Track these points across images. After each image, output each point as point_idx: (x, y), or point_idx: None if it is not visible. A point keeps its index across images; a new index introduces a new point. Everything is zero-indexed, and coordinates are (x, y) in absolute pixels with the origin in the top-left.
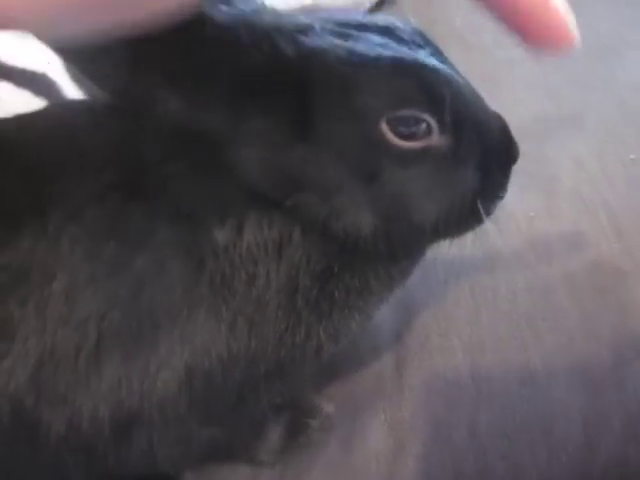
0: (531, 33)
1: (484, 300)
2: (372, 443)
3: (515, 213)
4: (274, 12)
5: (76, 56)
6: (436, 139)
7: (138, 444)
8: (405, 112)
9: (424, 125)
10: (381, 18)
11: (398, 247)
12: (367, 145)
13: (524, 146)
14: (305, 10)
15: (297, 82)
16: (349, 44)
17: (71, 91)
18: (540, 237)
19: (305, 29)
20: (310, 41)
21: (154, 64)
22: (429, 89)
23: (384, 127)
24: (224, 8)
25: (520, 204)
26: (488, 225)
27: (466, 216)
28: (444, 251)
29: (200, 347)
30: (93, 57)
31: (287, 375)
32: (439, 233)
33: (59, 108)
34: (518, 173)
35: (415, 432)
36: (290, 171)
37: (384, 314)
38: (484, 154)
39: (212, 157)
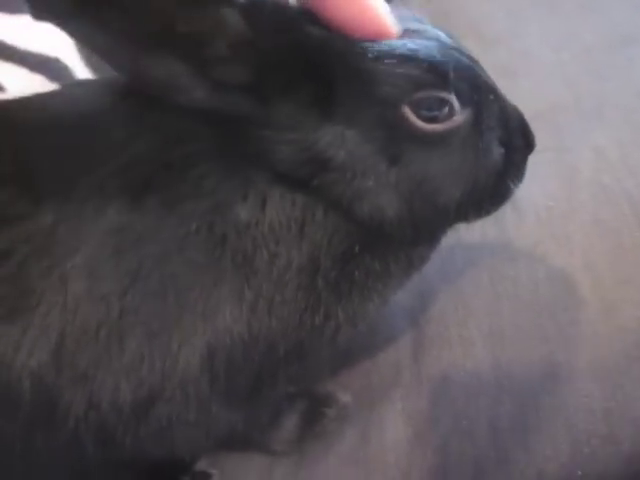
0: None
1: (504, 290)
2: (389, 434)
3: (535, 203)
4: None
5: (95, 42)
6: (458, 119)
7: (157, 424)
8: (423, 94)
9: (446, 108)
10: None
11: (423, 229)
12: (390, 128)
13: (542, 136)
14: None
15: (320, 65)
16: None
17: (84, 75)
18: (560, 227)
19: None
20: (325, 32)
21: (176, 52)
22: (443, 72)
23: (407, 111)
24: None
25: (540, 194)
26: (507, 214)
27: (490, 195)
28: (463, 239)
29: (222, 325)
30: (113, 44)
31: (305, 358)
32: (463, 214)
33: (79, 87)
34: (537, 163)
35: (434, 423)
36: (316, 151)
37: (402, 303)
38: (505, 130)
39: (236, 136)
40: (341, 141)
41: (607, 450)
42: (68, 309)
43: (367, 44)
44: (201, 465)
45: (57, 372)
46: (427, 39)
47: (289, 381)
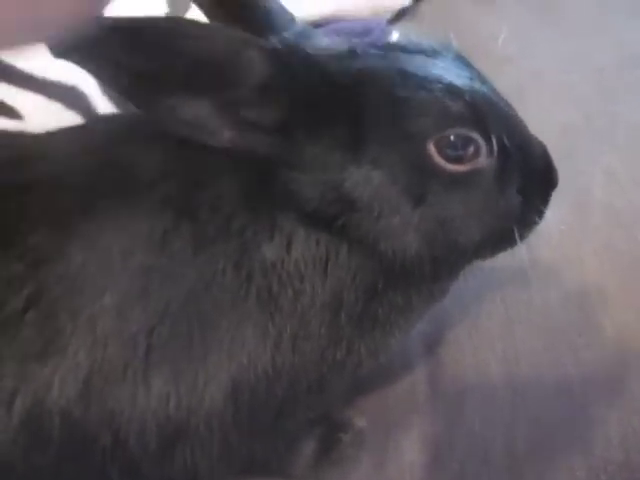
0: None
1: (518, 314)
2: (406, 458)
3: (548, 226)
4: (321, 36)
5: (118, 82)
6: (483, 161)
7: (182, 458)
8: (454, 131)
9: (472, 148)
10: (425, 41)
11: (442, 267)
12: (416, 167)
13: (554, 157)
14: (324, 20)
15: (348, 106)
16: (398, 66)
17: (101, 104)
18: (573, 251)
19: (352, 53)
20: (359, 64)
21: (203, 94)
22: (477, 110)
23: (432, 149)
24: (273, 38)
25: (551, 217)
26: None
27: (505, 239)
28: (476, 264)
29: (246, 362)
30: (136, 85)
31: (326, 391)
32: (480, 255)
33: (105, 122)
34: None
35: (450, 448)
36: (342, 192)
37: (417, 328)
38: (526, 179)
39: (262, 177)
40: (368, 182)
41: (624, 477)
42: (97, 349)
43: (403, 70)
44: None
45: (85, 409)
46: (462, 69)
47: (309, 411)
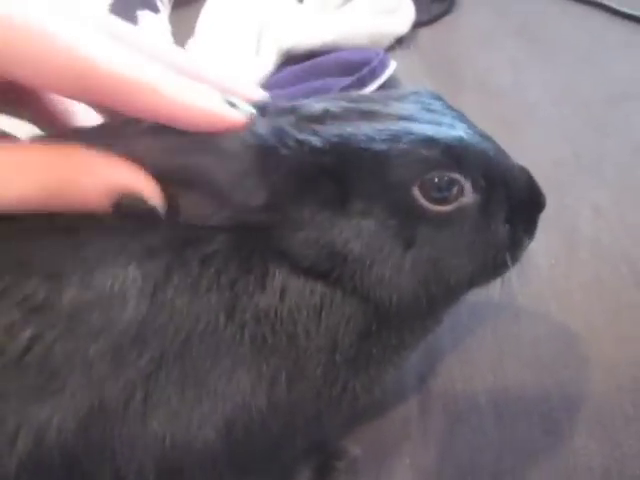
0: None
1: (508, 347)
2: None
3: (537, 261)
4: (289, 109)
5: None
6: (468, 199)
7: None
8: (435, 174)
9: (455, 188)
10: (404, 88)
11: (438, 304)
12: (403, 213)
13: (544, 192)
14: (325, 48)
15: (330, 167)
16: (373, 124)
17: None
18: (561, 285)
19: (323, 117)
20: (331, 129)
21: (199, 183)
22: (454, 154)
23: (417, 194)
24: (254, 126)
25: (542, 251)
26: (511, 272)
27: (498, 267)
28: (468, 297)
29: (241, 402)
30: None
31: (323, 426)
32: (473, 285)
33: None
34: (540, 220)
35: (440, 477)
36: (334, 247)
37: (410, 360)
38: (512, 208)
39: (253, 237)
40: (358, 233)
41: None
42: (94, 391)
43: (379, 128)
44: None
45: (85, 449)
46: (441, 116)
47: (305, 444)
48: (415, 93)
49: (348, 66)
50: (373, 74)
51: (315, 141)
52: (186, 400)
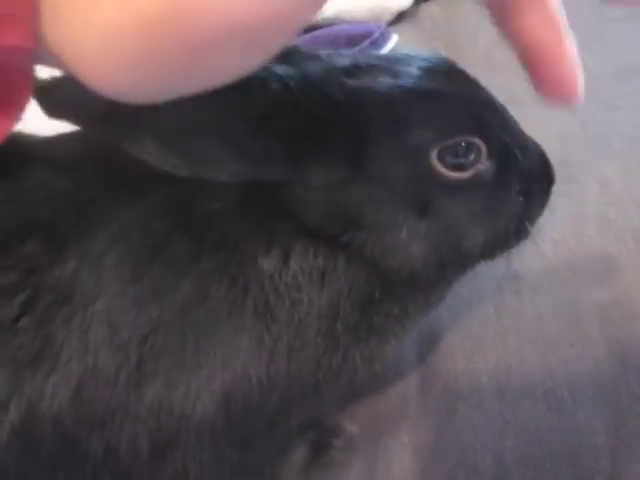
0: (543, 81)
1: (510, 323)
2: (396, 466)
3: (542, 236)
4: (317, 57)
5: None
6: (483, 165)
7: (172, 466)
8: (455, 139)
9: (473, 154)
10: (419, 52)
11: (448, 273)
12: (419, 179)
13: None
14: (326, 21)
15: (349, 124)
16: (395, 80)
17: None
18: (566, 261)
19: (349, 70)
20: (356, 82)
21: (208, 127)
22: (477, 116)
23: (434, 160)
24: (275, 67)
25: (547, 227)
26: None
27: (510, 238)
28: (470, 272)
29: (240, 371)
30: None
31: (321, 398)
32: (486, 256)
33: None
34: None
35: (440, 456)
36: (346, 209)
37: (410, 336)
38: (526, 179)
39: (261, 193)
40: (372, 198)
41: None
42: (88, 356)
43: (401, 84)
44: None
45: (77, 417)
46: (463, 82)
47: (302, 418)
48: (439, 58)
49: (349, 39)
50: (374, 47)
51: (340, 95)
52: (184, 367)
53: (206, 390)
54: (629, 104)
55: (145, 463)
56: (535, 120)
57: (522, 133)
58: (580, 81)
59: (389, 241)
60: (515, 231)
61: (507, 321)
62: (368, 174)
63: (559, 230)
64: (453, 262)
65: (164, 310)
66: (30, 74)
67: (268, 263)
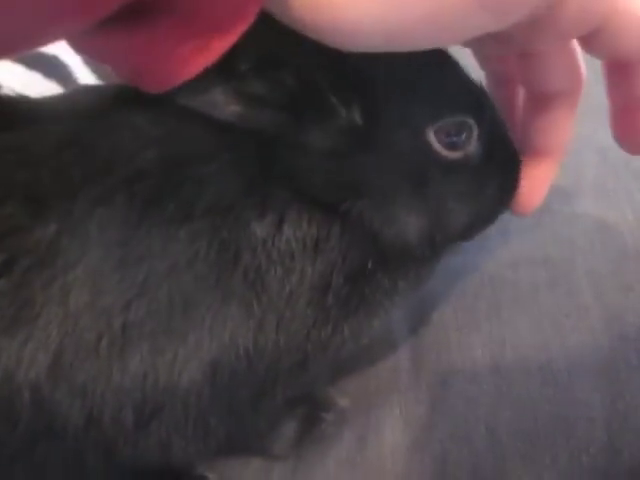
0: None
1: (504, 294)
2: (387, 439)
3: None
4: None
5: None
6: (473, 147)
7: (156, 436)
8: (453, 119)
9: (465, 134)
10: None
11: (438, 250)
12: (418, 152)
13: None
14: None
15: (359, 87)
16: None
17: (83, 74)
18: (563, 231)
19: None
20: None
21: (212, 65)
22: (475, 97)
23: (431, 137)
24: None
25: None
26: (509, 216)
27: (488, 221)
28: (463, 243)
29: (228, 341)
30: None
31: (308, 370)
32: (464, 237)
33: (90, 91)
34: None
35: (432, 429)
36: (348, 178)
37: (401, 308)
38: (503, 163)
39: (257, 155)
40: (374, 167)
41: (606, 459)
42: (68, 321)
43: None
44: (199, 469)
45: (54, 385)
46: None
47: (290, 390)
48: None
49: None
50: None
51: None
52: (171, 334)
53: (193, 358)
54: None
55: (128, 435)
56: None
57: (504, 122)
58: None
59: (387, 211)
60: (489, 217)
61: (501, 292)
62: (372, 143)
63: (557, 200)
64: (442, 239)
65: (150, 275)
66: None
67: (261, 229)
